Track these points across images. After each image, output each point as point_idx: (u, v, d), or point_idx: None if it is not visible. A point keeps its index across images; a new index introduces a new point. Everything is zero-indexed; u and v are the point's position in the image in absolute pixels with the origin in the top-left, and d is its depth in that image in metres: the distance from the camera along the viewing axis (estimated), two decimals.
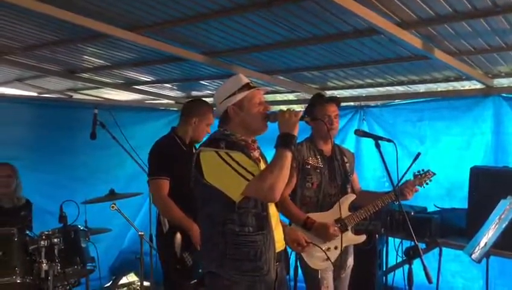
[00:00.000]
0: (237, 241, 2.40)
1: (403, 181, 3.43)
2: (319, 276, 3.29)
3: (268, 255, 2.45)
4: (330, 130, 3.24)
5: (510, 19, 3.21)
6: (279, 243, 2.58)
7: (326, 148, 3.47)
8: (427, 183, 3.52)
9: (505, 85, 4.76)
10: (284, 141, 2.41)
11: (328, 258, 3.16)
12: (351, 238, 3.45)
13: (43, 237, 3.79)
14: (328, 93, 5.83)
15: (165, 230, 3.49)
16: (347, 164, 3.55)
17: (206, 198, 2.47)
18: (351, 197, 3.47)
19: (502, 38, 3.60)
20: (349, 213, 3.41)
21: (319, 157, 3.43)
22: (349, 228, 3.40)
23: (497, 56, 4.02)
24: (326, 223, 3.26)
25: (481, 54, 3.98)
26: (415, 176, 3.50)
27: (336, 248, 3.33)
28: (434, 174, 3.54)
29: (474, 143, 4.67)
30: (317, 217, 3.29)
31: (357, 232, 3.53)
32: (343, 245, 3.37)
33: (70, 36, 4.19)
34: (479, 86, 4.75)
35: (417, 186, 3.45)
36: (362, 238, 3.49)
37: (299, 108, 4.63)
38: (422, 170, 3.53)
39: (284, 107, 2.73)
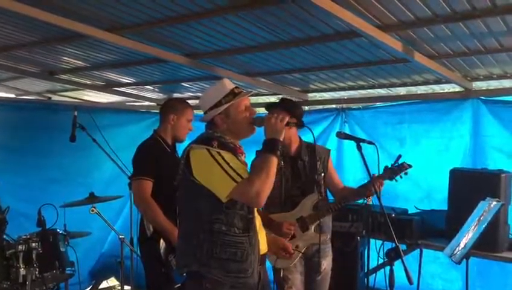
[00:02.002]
0: (224, 241, 2.39)
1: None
2: (281, 275, 3.30)
3: (253, 258, 2.45)
4: None
5: (488, 23, 3.25)
6: (263, 246, 2.60)
7: (290, 149, 3.47)
8: (401, 177, 3.38)
9: (484, 88, 4.84)
10: (270, 146, 2.43)
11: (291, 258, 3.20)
12: (313, 237, 3.41)
13: (21, 241, 3.73)
14: (310, 95, 5.87)
15: (149, 233, 3.45)
16: (318, 163, 3.52)
17: (194, 195, 2.44)
18: (314, 196, 3.43)
19: (480, 41, 3.65)
20: (312, 212, 3.40)
21: (279, 158, 3.42)
22: (310, 227, 3.39)
23: (476, 59, 4.07)
24: (280, 222, 3.27)
25: (460, 57, 4.02)
26: (385, 169, 3.37)
27: (297, 247, 3.34)
28: (410, 166, 3.41)
29: (453, 145, 4.72)
30: (279, 217, 3.31)
31: (339, 234, 3.54)
32: (306, 244, 3.38)
33: (49, 37, 4.13)
34: (458, 88, 4.81)
35: (388, 180, 3.35)
36: (324, 237, 3.48)
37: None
38: (397, 163, 3.40)
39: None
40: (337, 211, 3.51)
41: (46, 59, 4.99)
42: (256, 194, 2.33)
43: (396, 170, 3.38)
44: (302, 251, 3.36)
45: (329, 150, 3.71)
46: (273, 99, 6.45)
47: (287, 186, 3.40)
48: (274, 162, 2.40)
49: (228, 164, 2.36)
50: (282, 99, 3.69)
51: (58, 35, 4.02)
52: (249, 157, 2.68)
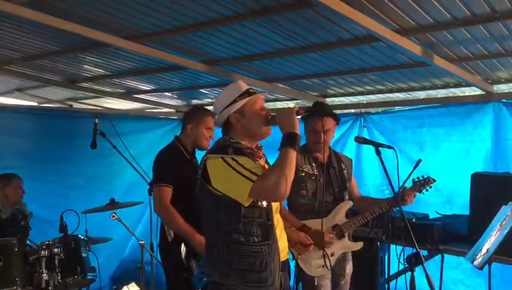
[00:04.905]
0: (242, 251, 2.38)
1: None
2: (315, 283, 3.28)
3: (273, 266, 2.43)
4: (317, 144, 3.34)
5: (509, 25, 3.22)
6: (284, 253, 2.57)
7: (322, 156, 3.46)
8: (426, 190, 3.52)
9: (505, 91, 4.77)
10: (287, 140, 2.39)
11: (325, 265, 3.18)
12: (348, 245, 3.46)
13: (44, 247, 3.79)
14: (328, 100, 5.85)
15: (170, 239, 3.47)
16: (344, 171, 3.56)
17: (212, 207, 2.45)
18: (348, 204, 3.48)
19: (500, 44, 3.61)
20: (346, 220, 3.42)
21: (314, 164, 3.44)
22: (345, 234, 3.41)
23: (496, 62, 4.03)
24: (321, 231, 3.23)
25: (480, 60, 3.98)
26: (414, 182, 3.50)
27: (332, 254, 3.32)
28: (434, 180, 3.54)
29: (474, 149, 4.66)
30: (313, 224, 3.28)
31: (358, 239, 3.53)
32: (340, 252, 3.38)
33: (70, 46, 4.21)
34: (478, 92, 4.75)
35: (416, 193, 3.46)
36: (359, 245, 3.49)
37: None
38: (422, 177, 3.52)
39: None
40: (373, 220, 3.56)
41: (68, 68, 5.08)
42: (273, 187, 2.28)
43: (424, 183, 3.49)
44: (335, 258, 3.36)
45: (351, 160, 3.77)
46: (292, 105, 6.47)
47: (321, 194, 3.39)
48: (290, 154, 2.34)
49: (243, 166, 2.34)
50: (315, 105, 3.70)
51: (79, 44, 4.09)
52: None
